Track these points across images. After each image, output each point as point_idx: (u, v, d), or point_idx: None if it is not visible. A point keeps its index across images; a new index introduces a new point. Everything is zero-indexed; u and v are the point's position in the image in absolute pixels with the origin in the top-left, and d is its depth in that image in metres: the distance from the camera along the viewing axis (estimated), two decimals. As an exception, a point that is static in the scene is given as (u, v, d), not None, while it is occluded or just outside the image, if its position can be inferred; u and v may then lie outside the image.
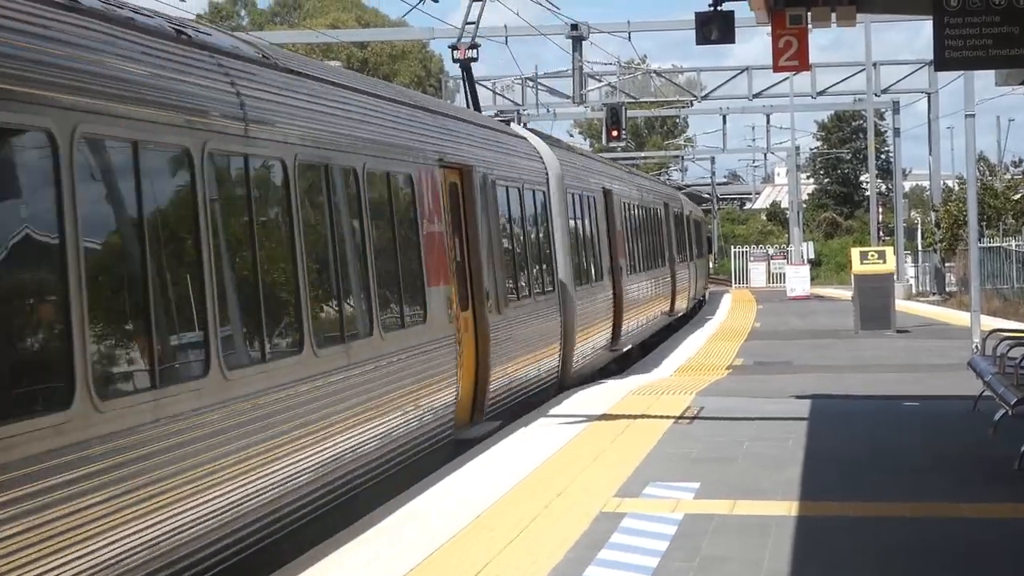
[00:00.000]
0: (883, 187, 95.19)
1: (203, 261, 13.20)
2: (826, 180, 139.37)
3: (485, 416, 22.80)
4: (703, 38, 22.87)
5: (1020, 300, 51.73)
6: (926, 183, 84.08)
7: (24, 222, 10.60)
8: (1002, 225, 64.49)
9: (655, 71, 74.06)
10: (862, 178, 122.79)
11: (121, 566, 10.96)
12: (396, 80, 59.21)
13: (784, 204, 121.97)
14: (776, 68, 22.63)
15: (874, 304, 42.14)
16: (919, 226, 79.38)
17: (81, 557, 10.41)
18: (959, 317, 44.08)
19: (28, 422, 9.89)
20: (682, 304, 55.65)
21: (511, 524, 14.47)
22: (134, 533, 11.14)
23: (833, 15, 21.30)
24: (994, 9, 17.81)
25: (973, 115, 39.36)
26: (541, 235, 28.92)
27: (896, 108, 74.60)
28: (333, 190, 17.39)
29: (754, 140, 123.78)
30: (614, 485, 16.52)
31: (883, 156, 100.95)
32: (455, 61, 35.75)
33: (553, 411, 23.90)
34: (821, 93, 68.48)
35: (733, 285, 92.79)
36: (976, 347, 27.72)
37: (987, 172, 74.50)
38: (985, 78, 34.96)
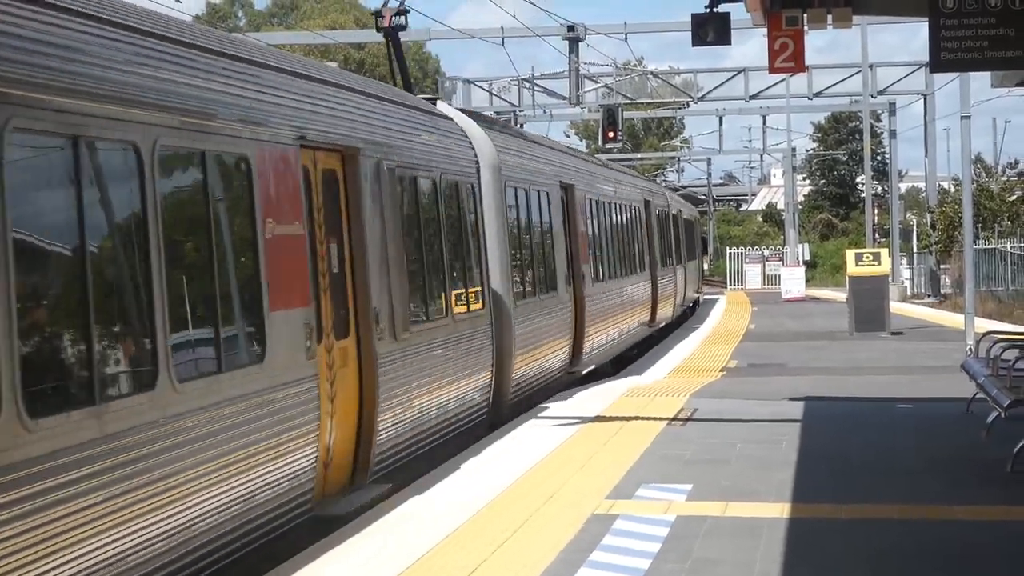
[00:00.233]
0: (879, 189, 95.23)
1: None
2: (822, 181, 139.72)
3: (372, 476, 17.51)
4: (699, 40, 22.91)
5: (1015, 302, 51.78)
6: (922, 185, 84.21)
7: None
8: (997, 227, 64.57)
9: (651, 72, 74.06)
10: (858, 180, 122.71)
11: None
12: (391, 81, 59.14)
13: (780, 205, 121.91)
14: (772, 70, 22.66)
15: (869, 306, 42.18)
16: (915, 228, 79.59)
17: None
18: (954, 319, 44.13)
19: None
20: (666, 312, 49.88)
21: (503, 526, 14.48)
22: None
23: (829, 16, 21.30)
24: (990, 11, 17.81)
25: (969, 117, 39.46)
26: (467, 238, 23.00)
27: (892, 110, 74.67)
28: (94, 176, 12.07)
29: (750, 141, 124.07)
30: (607, 487, 16.53)
31: (879, 158, 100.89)
32: (379, 30, 29.00)
33: (546, 413, 23.93)
34: (817, 95, 68.54)
35: (728, 287, 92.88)
36: (970, 349, 27.72)
37: (983, 174, 74.69)
38: (981, 80, 35.26)
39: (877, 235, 72.45)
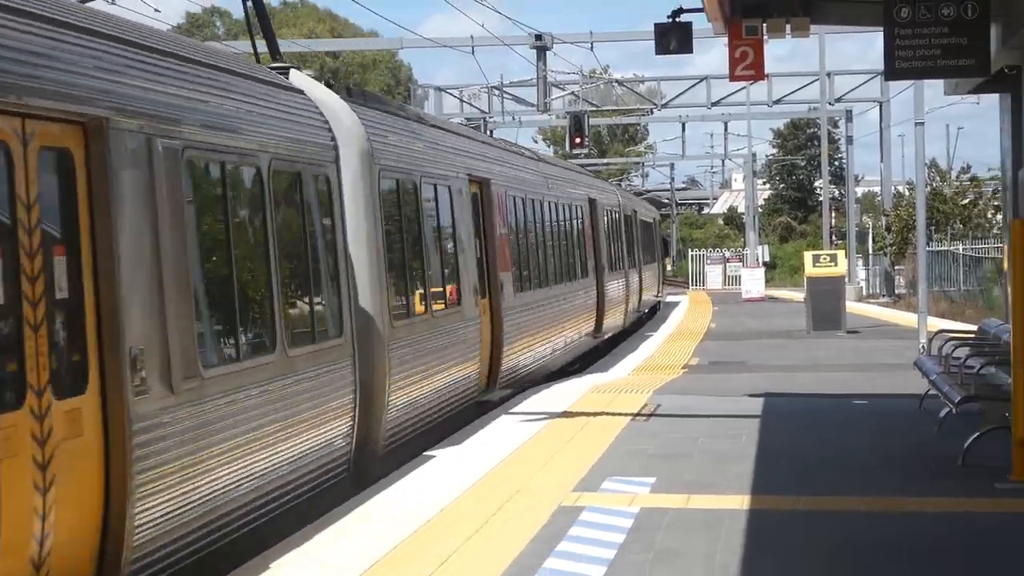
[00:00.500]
0: (836, 192, 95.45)
1: None
2: (781, 186, 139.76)
3: None
4: (663, 48, 22.99)
5: (966, 302, 51.95)
6: (877, 189, 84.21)
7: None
8: (950, 230, 64.72)
9: (617, 80, 74.21)
10: (816, 184, 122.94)
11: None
12: (366, 87, 58.76)
13: (741, 209, 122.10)
14: (733, 78, 22.72)
15: (826, 306, 42.26)
16: (870, 230, 79.81)
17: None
18: (907, 318, 44.21)
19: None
20: (615, 320, 44.22)
21: (474, 518, 14.47)
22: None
23: (788, 26, 21.37)
24: (943, 21, 17.87)
25: (923, 123, 39.60)
26: (313, 245, 16.63)
27: (849, 116, 74.87)
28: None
29: (712, 147, 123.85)
30: (573, 480, 16.53)
31: (836, 163, 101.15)
32: None
33: (514, 409, 23.84)
34: (777, 102, 68.76)
35: (691, 287, 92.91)
36: (923, 348, 27.82)
37: (937, 178, 74.78)
38: (935, 87, 35.12)
39: (834, 237, 72.69)
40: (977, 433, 17.09)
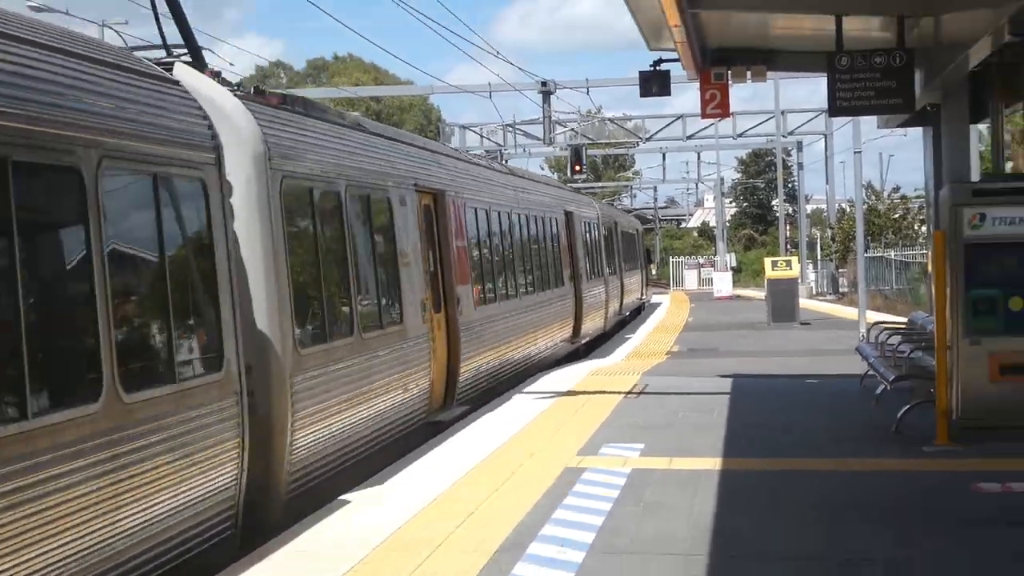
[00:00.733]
0: (790, 210, 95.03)
1: None
2: (745, 204, 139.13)
3: None
4: (646, 92, 23.01)
5: (897, 299, 51.74)
6: (824, 206, 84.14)
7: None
8: (884, 239, 64.60)
9: (609, 118, 73.92)
10: (773, 203, 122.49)
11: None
12: (403, 127, 58.81)
13: (712, 223, 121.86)
14: (704, 115, 22.70)
15: (783, 302, 42.20)
16: (818, 240, 79.57)
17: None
18: (849, 312, 44.14)
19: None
20: (595, 324, 38.49)
21: (496, 477, 14.54)
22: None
23: (748, 73, 21.37)
24: (875, 68, 17.89)
25: (860, 152, 39.79)
26: (174, 261, 11.90)
27: (800, 147, 74.71)
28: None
29: (687, 173, 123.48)
30: (577, 446, 16.56)
31: (790, 185, 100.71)
32: None
33: (528, 389, 23.80)
34: (741, 135, 68.54)
35: (672, 288, 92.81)
36: (862, 336, 27.80)
37: (872, 197, 74.47)
38: (870, 122, 35.11)
39: (789, 246, 72.61)
40: (908, 406, 17.10)
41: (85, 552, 9.35)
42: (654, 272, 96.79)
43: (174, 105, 12.07)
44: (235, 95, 13.76)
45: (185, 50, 14.50)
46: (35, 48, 9.87)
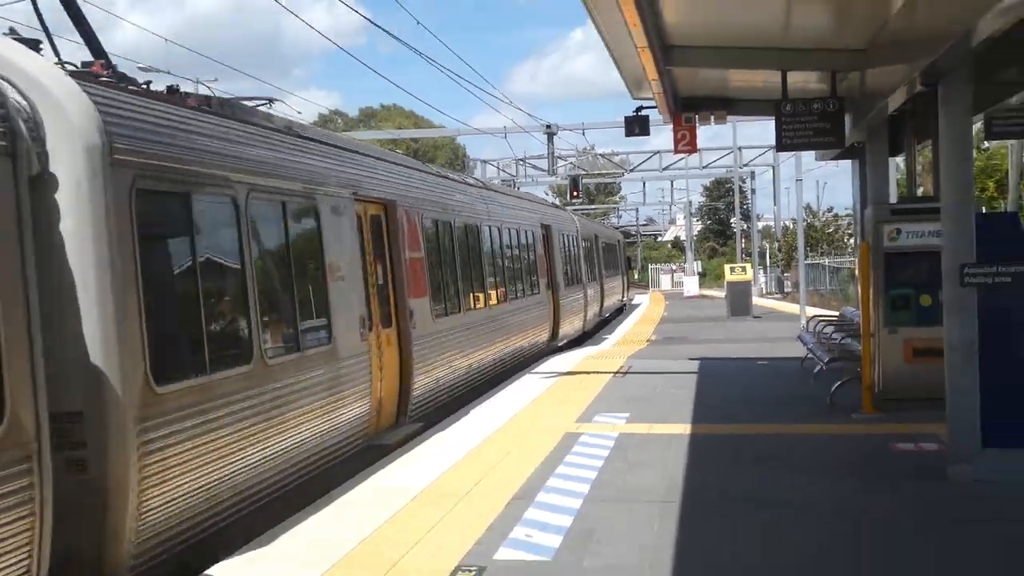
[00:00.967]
0: (745, 226, 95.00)
1: None
2: (709, 222, 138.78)
3: None
4: (630, 132, 23.01)
5: (831, 297, 51.61)
6: (772, 223, 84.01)
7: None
8: (820, 249, 64.51)
9: (600, 154, 73.85)
10: (732, 221, 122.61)
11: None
12: (435, 162, 58.87)
13: (682, 237, 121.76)
14: (676, 151, 22.73)
15: (739, 300, 42.19)
16: (767, 250, 79.34)
17: None
18: (792, 308, 44.09)
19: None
20: (574, 326, 33.93)
21: (510, 439, 14.54)
22: None
23: (712, 117, 21.36)
24: (813, 112, 17.83)
25: (800, 180, 40.10)
26: None
27: (752, 176, 74.53)
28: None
29: (663, 197, 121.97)
30: (575, 415, 16.57)
31: (745, 207, 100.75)
32: None
33: (538, 369, 23.73)
34: (705, 166, 68.33)
35: (650, 289, 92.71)
36: (803, 326, 27.77)
37: (811, 216, 74.30)
38: (808, 156, 35.19)
39: (743, 255, 72.41)
40: (839, 382, 17.08)
41: None
42: (636, 276, 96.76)
43: None
44: (77, 79, 9.27)
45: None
46: None
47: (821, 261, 60.29)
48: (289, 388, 11.81)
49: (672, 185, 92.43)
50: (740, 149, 65.49)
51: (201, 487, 9.91)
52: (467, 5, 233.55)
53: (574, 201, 63.76)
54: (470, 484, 11.84)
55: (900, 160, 22.45)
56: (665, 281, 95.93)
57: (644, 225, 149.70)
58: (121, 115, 9.57)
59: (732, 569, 8.68)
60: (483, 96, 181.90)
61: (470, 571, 8.65)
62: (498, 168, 67.28)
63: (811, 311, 35.10)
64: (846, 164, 26.11)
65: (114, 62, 11.69)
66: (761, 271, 73.42)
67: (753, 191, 76.72)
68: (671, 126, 21.82)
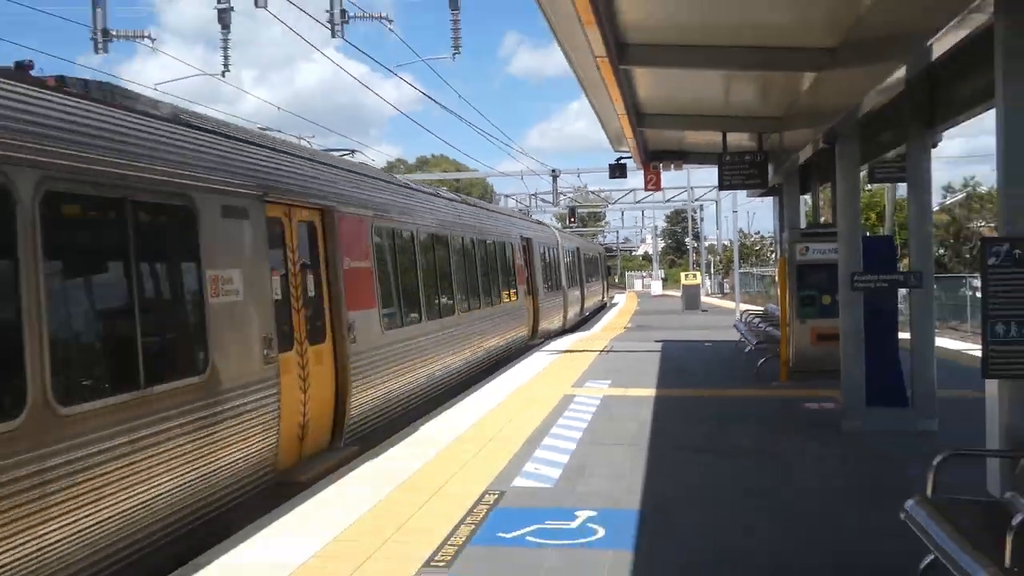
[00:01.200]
0: (696, 244, 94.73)
1: None
2: (669, 241, 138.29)
3: None
4: (612, 175, 23.24)
5: (758, 296, 51.55)
6: (715, 242, 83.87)
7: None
8: (750, 261, 64.54)
9: (591, 190, 73.67)
10: (686, 240, 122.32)
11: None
12: (472, 195, 58.81)
13: (650, 252, 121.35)
14: (646, 188, 22.85)
15: (691, 299, 42.20)
16: (712, 262, 79.18)
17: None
18: (730, 304, 44.01)
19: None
20: (553, 325, 29.32)
21: (522, 401, 14.51)
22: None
23: (672, 165, 21.47)
24: (745, 162, 17.83)
25: (736, 211, 39.96)
26: None
27: (701, 208, 74.34)
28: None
29: (636, 223, 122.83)
30: (572, 381, 16.53)
31: (696, 230, 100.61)
32: None
33: (544, 348, 23.60)
34: (667, 200, 68.14)
35: (627, 290, 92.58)
36: (737, 318, 27.77)
37: (743, 237, 74.10)
38: (742, 194, 35.09)
39: (695, 265, 72.28)
40: (763, 359, 17.07)
41: None
42: (617, 280, 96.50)
43: None
44: None
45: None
46: None
47: (751, 270, 60.26)
48: (109, 443, 6.57)
49: (643, 214, 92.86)
50: (692, 188, 65.26)
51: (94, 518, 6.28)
52: (496, 83, 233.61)
53: (571, 224, 63.69)
54: (495, 430, 11.83)
55: (807, 197, 22.47)
56: (638, 284, 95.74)
57: (623, 243, 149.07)
58: None
59: (681, 488, 8.75)
60: (507, 149, 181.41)
61: (494, 494, 8.70)
62: (517, 202, 67.23)
63: (743, 307, 35.08)
64: (768, 200, 26.11)
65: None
66: (707, 277, 73.25)
67: (702, 219, 76.39)
68: (642, 171, 21.93)
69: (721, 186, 18.79)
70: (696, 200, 69.00)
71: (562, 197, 65.74)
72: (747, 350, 19.23)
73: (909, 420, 11.43)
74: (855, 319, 11.87)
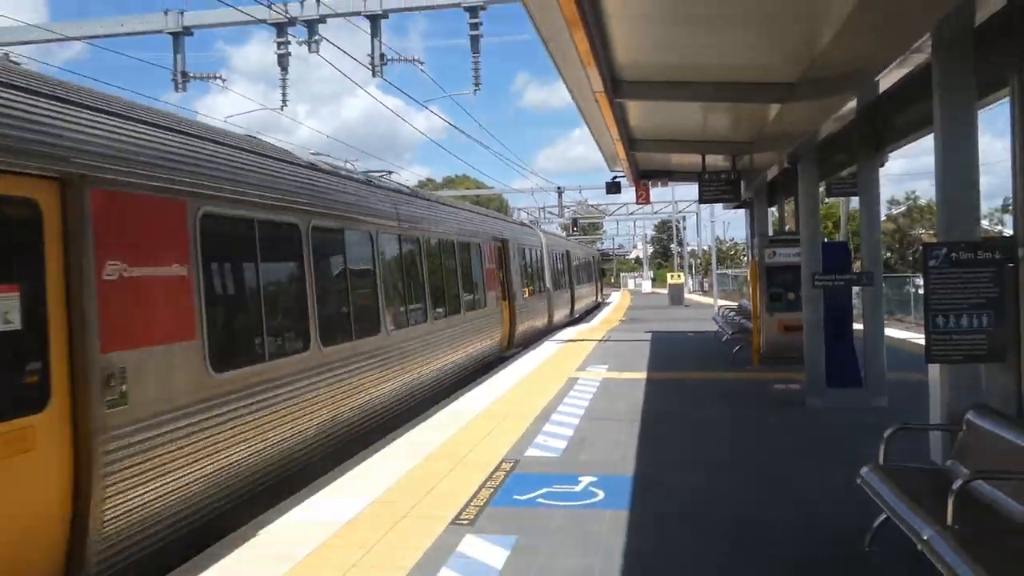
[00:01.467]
0: (679, 249, 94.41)
1: None
2: (657, 247, 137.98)
3: None
4: (608, 191, 23.08)
5: (733, 293, 51.34)
6: (696, 248, 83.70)
7: None
8: (726, 264, 64.41)
9: (590, 204, 73.65)
10: (672, 246, 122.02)
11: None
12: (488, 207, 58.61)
13: (641, 256, 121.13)
14: (637, 202, 22.64)
15: (676, 295, 42.00)
16: (693, 265, 78.89)
17: None
18: (709, 300, 43.84)
19: None
20: (535, 329, 23.71)
21: (535, 383, 14.47)
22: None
23: (659, 183, 21.37)
24: (721, 180, 17.72)
25: (714, 221, 39.60)
26: None
27: (684, 218, 74.45)
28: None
29: (629, 231, 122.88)
30: (576, 365, 16.47)
31: (680, 238, 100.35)
32: None
33: (554, 338, 23.51)
34: (655, 212, 68.33)
35: (621, 289, 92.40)
36: (716, 312, 27.65)
37: (720, 243, 73.97)
38: (719, 207, 34.90)
39: (679, 267, 72.06)
40: (738, 347, 17.04)
41: None
42: (613, 280, 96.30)
43: None
44: None
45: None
46: None
47: (727, 271, 60.02)
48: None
49: (635, 224, 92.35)
50: (676, 202, 65.26)
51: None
52: (510, 113, 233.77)
53: (575, 233, 63.67)
54: (508, 407, 11.79)
55: (774, 209, 22.36)
56: (631, 283, 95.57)
57: (618, 248, 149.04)
58: None
59: (670, 454, 8.73)
60: (519, 169, 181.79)
61: (510, 462, 8.69)
62: (528, 215, 67.23)
63: (721, 302, 34.92)
64: (741, 211, 26.03)
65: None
66: (689, 277, 73.05)
67: (684, 228, 76.72)
68: (634, 187, 21.84)
69: (701, 200, 18.68)
70: (680, 212, 68.99)
71: (566, 210, 65.77)
72: (724, 339, 19.17)
73: (863, 399, 11.37)
74: (816, 312, 11.82)
